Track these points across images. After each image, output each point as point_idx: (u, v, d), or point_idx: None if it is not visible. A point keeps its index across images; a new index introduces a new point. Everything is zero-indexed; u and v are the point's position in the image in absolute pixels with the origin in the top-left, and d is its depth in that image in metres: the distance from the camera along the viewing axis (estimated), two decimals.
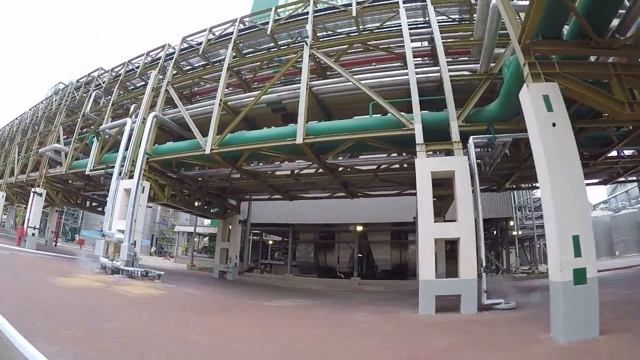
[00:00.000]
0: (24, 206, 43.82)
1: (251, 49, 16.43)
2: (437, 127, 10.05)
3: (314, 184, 17.39)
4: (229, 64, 14.27)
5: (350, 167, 14.44)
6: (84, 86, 22.41)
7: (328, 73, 13.95)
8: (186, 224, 44.71)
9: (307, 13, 13.86)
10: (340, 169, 14.65)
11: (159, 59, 18.03)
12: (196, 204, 19.82)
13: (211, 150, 12.86)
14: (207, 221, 36.16)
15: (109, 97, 20.51)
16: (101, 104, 20.13)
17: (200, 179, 18.15)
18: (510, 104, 8.55)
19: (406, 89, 11.00)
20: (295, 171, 15.48)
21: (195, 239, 37.60)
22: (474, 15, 11.65)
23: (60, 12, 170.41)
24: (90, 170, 17.20)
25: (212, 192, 20.30)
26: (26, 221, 21.18)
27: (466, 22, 13.35)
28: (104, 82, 20.99)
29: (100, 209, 26.90)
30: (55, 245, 30.72)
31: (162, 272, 13.35)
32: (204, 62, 17.42)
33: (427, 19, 13.14)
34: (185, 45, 17.44)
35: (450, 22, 13.65)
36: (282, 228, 26.62)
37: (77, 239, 37.00)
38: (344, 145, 11.70)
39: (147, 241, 49.23)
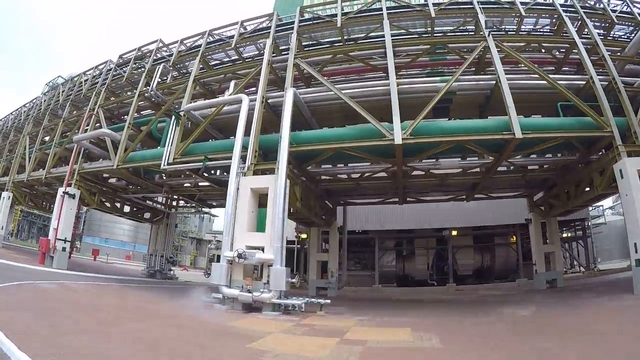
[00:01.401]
0: (21, 208, 37.77)
1: None
2: None
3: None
4: None
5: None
6: (134, 61, 17.32)
7: None
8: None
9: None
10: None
11: (262, 30, 13.98)
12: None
13: (403, 140, 9.13)
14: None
15: (175, 73, 15.82)
16: (168, 81, 15.28)
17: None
18: None
19: None
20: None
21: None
22: None
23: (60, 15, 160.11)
24: (169, 164, 12.34)
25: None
26: (53, 231, 15.78)
27: None
28: (169, 56, 16.08)
29: (140, 215, 21.54)
30: (69, 257, 24.97)
31: (327, 300, 9.37)
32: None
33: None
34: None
35: None
36: (365, 236, 23.08)
37: (93, 250, 30.78)
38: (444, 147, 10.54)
39: None
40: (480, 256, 23.03)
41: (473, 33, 12.78)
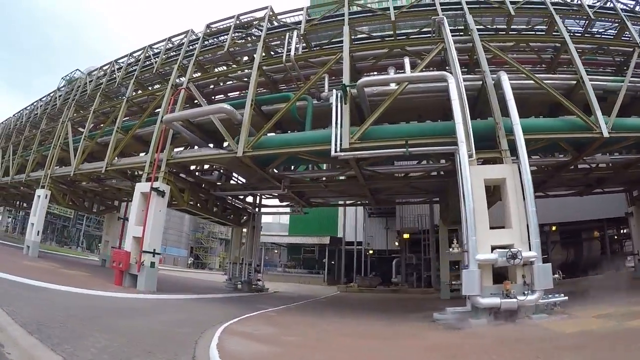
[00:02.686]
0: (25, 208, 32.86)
1: None
2: None
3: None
4: None
5: None
6: (234, 30, 13.41)
7: None
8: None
9: None
10: None
11: None
12: None
13: None
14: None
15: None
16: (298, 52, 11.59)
17: None
18: None
19: None
20: None
21: (276, 251, 28.42)
22: None
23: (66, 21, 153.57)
24: (342, 150, 8.67)
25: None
26: (127, 240, 11.64)
27: None
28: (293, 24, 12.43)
29: (229, 217, 17.14)
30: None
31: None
32: None
33: None
34: None
35: None
36: None
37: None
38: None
39: (184, 251, 38.78)
40: (566, 251, 22.35)
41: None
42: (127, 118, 16.88)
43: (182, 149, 13.98)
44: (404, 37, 13.10)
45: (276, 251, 33.76)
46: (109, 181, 17.57)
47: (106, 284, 11.21)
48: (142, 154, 17.72)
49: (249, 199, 17.18)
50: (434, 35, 11.84)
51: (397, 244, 24.34)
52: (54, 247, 27.65)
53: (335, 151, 9.33)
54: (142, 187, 12.24)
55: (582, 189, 15.62)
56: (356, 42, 12.61)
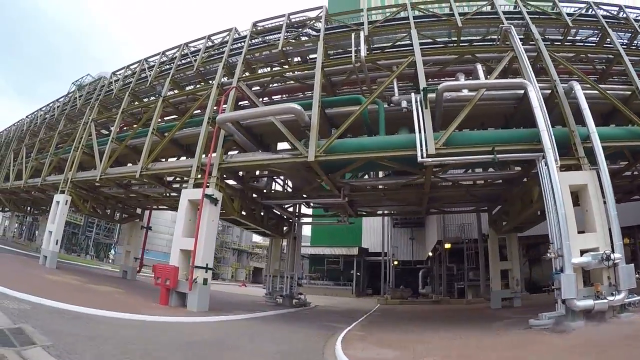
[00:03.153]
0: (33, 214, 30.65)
1: None
2: None
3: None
4: None
5: None
6: (287, 29, 12.43)
7: None
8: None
9: None
10: None
11: None
12: None
13: None
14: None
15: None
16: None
17: None
18: None
19: None
20: None
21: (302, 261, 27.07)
22: None
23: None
24: (429, 155, 8.84)
25: None
26: (172, 254, 10.37)
27: None
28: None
29: (273, 226, 15.57)
30: (139, 270, 19.17)
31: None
32: None
33: None
34: None
35: None
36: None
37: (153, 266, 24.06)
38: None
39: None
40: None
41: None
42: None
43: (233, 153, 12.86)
44: (466, 43, 12.57)
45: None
46: (138, 187, 16.29)
47: (150, 304, 9.90)
48: (172, 159, 16.57)
49: (289, 208, 16.00)
50: (497, 43, 11.69)
51: (430, 254, 23.31)
52: (63, 254, 25.99)
53: (422, 157, 8.76)
54: (189, 194, 11.02)
55: (621, 196, 14.91)
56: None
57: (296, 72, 12.48)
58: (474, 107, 9.81)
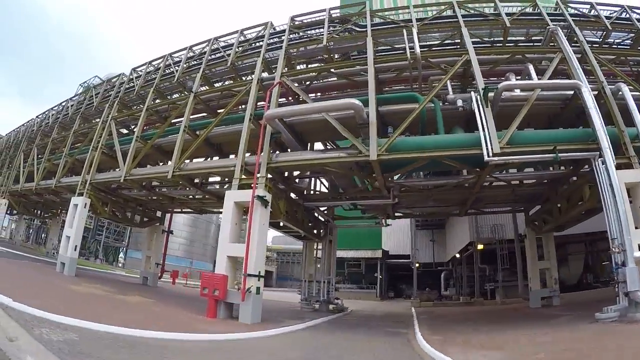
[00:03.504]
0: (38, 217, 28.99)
1: None
2: None
3: None
4: None
5: None
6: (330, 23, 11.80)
7: None
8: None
9: None
10: None
11: None
12: None
13: None
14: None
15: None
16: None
17: None
18: None
19: None
20: None
21: (318, 265, 26.39)
22: None
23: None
24: (495, 154, 8.77)
25: None
26: (218, 262, 9.62)
27: None
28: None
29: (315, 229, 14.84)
30: (160, 276, 18.27)
31: None
32: None
33: None
34: None
35: None
36: None
37: (172, 272, 22.86)
38: None
39: (209, 265, 36.20)
40: None
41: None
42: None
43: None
44: (511, 44, 12.30)
45: (319, 265, 31.80)
46: (164, 189, 15.50)
47: (198, 318, 9.10)
48: (197, 159, 15.78)
49: (325, 210, 15.34)
50: (541, 44, 11.62)
51: (457, 255, 22.81)
52: (90, 262, 25.05)
53: (488, 155, 8.58)
54: (235, 195, 10.29)
55: None
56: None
57: (356, 66, 11.89)
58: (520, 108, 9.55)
